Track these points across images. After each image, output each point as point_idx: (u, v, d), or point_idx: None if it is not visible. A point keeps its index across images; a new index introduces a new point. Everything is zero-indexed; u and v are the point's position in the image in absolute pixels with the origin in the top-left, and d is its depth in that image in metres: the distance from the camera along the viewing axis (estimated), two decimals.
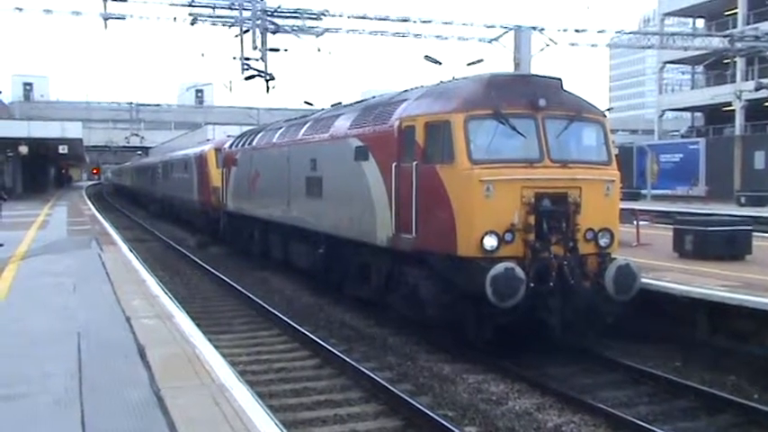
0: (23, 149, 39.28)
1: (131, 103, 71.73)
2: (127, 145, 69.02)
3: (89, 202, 38.86)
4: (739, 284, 10.56)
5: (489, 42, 28.67)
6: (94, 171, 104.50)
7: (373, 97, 14.86)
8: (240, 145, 21.08)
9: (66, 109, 70.95)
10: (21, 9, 24.74)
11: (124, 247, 16.39)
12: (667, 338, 10.45)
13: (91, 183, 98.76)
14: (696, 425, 7.76)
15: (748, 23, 45.94)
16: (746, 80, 43.98)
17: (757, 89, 34.45)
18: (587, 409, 8.00)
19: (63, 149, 42.20)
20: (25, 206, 32.85)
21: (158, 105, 77.56)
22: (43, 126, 39.68)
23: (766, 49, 32.03)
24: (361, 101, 15.20)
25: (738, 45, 32.67)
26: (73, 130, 39.10)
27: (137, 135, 67.58)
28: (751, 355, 9.42)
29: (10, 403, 5.47)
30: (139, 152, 70.96)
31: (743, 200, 36.95)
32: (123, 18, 24.85)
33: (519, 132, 9.80)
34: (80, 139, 41.43)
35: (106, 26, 24.52)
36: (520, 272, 8.96)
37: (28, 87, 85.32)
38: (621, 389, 8.89)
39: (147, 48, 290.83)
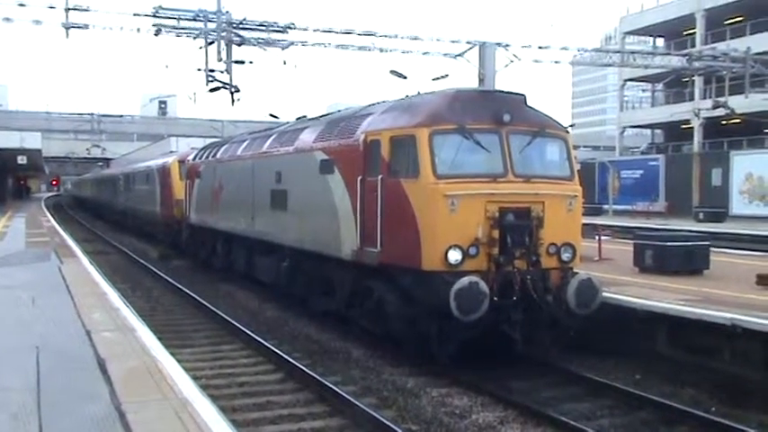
0: None
1: (93, 113, 70.70)
2: (88, 156, 67.93)
3: (48, 214, 38.18)
4: (698, 299, 10.78)
5: (454, 58, 28.91)
6: (54, 182, 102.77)
7: (339, 111, 14.91)
8: (204, 157, 20.94)
9: (25, 119, 69.51)
10: None
11: (84, 260, 16.15)
12: (628, 352, 10.60)
13: (50, 194, 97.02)
14: None
15: (706, 43, 47.06)
16: (705, 98, 45.00)
17: (715, 107, 35.23)
18: (550, 421, 8.07)
19: (21, 160, 41.43)
20: None
21: (121, 116, 76.59)
22: (1, 136, 38.95)
23: (723, 68, 32.82)
24: (327, 114, 15.22)
25: (696, 64, 33.40)
26: (32, 141, 38.47)
27: (98, 146, 66.58)
28: (709, 369, 9.60)
29: None
30: (101, 163, 69.93)
31: (701, 215, 37.77)
32: (86, 28, 24.54)
33: (483, 147, 9.88)
34: (39, 150, 40.74)
35: (68, 35, 24.18)
36: (484, 286, 9.03)
37: None
38: (583, 401, 9.00)
39: (110, 58, 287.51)
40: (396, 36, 28.92)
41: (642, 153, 56.70)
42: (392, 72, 21.82)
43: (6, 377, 6.36)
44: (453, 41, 29.23)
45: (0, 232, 23.65)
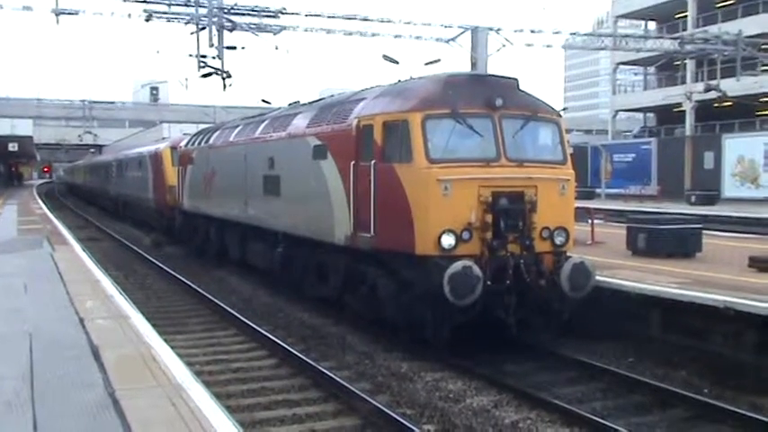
0: None
1: (84, 100, 70.29)
2: (80, 143, 67.59)
3: (40, 201, 38.01)
4: (690, 281, 10.80)
5: (447, 42, 28.83)
6: (45, 169, 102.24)
7: (331, 96, 14.83)
8: (196, 143, 20.84)
9: (16, 106, 69.04)
10: None
11: (77, 247, 16.09)
12: (621, 335, 10.64)
13: (42, 181, 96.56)
14: (649, 419, 7.91)
15: (698, 26, 47.05)
16: (696, 82, 44.99)
17: (706, 90, 35.27)
18: (543, 405, 8.10)
19: (13, 147, 41.21)
20: None
21: (112, 103, 76.17)
22: None
23: (715, 51, 32.80)
24: (319, 99, 15.15)
25: (688, 47, 33.39)
26: (23, 128, 38.34)
27: (90, 133, 66.22)
28: (702, 351, 9.64)
29: None
30: (92, 150, 69.59)
31: (693, 199, 37.85)
32: (76, 13, 24.35)
33: (476, 131, 9.86)
34: (30, 137, 40.54)
35: (58, 22, 23.99)
36: (477, 270, 9.03)
37: None
38: (576, 385, 9.03)
39: (101, 44, 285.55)
40: (388, 21, 28.81)
41: (635, 137, 56.70)
42: (384, 57, 21.72)
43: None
44: (445, 26, 29.13)
45: None
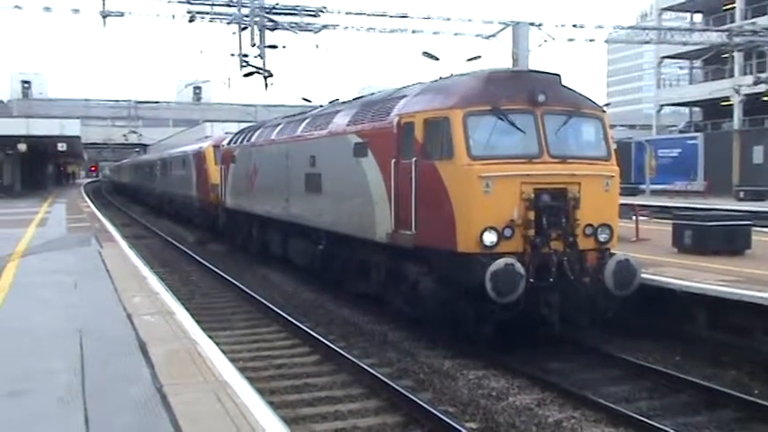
0: (22, 147, 39.25)
1: (130, 100, 71.59)
2: (125, 142, 68.88)
3: (88, 200, 38.83)
4: (739, 279, 10.58)
5: (487, 38, 28.66)
6: (92, 168, 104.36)
7: (372, 94, 14.87)
8: (239, 142, 21.07)
9: (64, 106, 70.67)
10: (20, 7, 24.70)
11: (124, 244, 16.40)
12: (667, 333, 10.47)
13: (89, 180, 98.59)
14: (697, 420, 7.77)
15: (746, 18, 45.92)
16: (745, 74, 43.99)
17: (755, 83, 34.49)
18: (588, 404, 8.01)
19: (62, 147, 42.13)
20: (24, 203, 32.86)
21: (157, 102, 77.38)
22: (42, 124, 39.64)
23: (764, 43, 32.03)
24: (360, 97, 15.19)
25: (736, 40, 32.68)
26: (71, 128, 39.09)
27: (135, 132, 67.44)
28: (751, 350, 9.44)
29: (15, 400, 5.47)
30: (138, 149, 70.84)
31: (741, 194, 37.02)
32: (122, 15, 24.83)
33: (518, 128, 9.81)
34: (78, 137, 41.39)
35: (105, 23, 24.50)
36: (519, 267, 8.98)
37: (26, 85, 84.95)
38: (621, 384, 8.91)
39: (146, 45, 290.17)
40: (427, 17, 28.74)
41: (680, 131, 55.67)
42: (424, 54, 21.71)
43: (52, 360, 6.49)
44: (486, 22, 28.96)
45: (42, 218, 24.13)
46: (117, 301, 9.20)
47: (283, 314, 12.28)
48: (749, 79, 36.74)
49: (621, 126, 71.72)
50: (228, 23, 25.28)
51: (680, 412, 7.97)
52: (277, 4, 25.83)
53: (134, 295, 9.63)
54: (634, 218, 16.85)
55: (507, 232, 9.38)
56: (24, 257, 13.67)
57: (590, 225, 9.81)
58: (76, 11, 24.82)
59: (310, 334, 10.90)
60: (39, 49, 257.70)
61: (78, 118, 45.28)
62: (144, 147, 68.36)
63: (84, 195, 45.16)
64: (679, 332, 10.37)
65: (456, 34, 29.05)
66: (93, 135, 64.02)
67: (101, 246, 15.72)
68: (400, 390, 8.14)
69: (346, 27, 27.68)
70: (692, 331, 10.28)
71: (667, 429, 7.10)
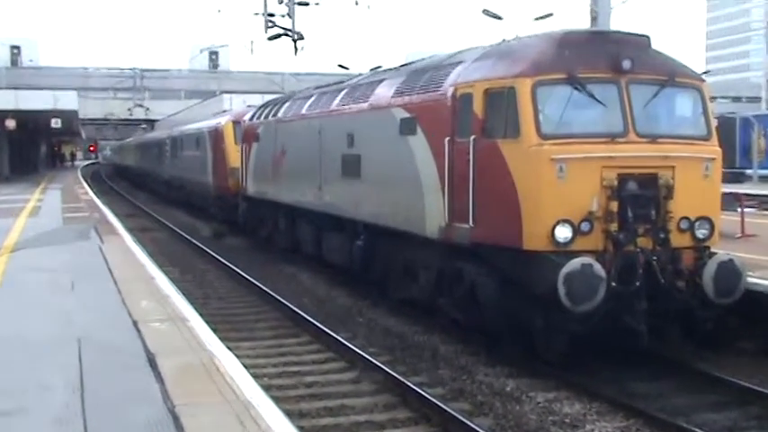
0: (10, 124, 40.05)
1: (135, 68, 72.68)
2: (129, 118, 69.92)
3: (86, 185, 39.52)
4: None
5: None
6: (91, 148, 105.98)
7: (421, 60, 14.83)
8: (263, 117, 21.23)
9: (59, 76, 71.95)
10: None
11: (128, 238, 16.67)
12: None
13: (87, 162, 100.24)
14: None
15: None
16: None
17: None
18: None
19: (56, 123, 42.88)
20: (13, 190, 33.61)
21: (166, 71, 78.48)
22: (33, 96, 40.36)
23: None
24: (407, 64, 15.17)
25: None
26: (67, 101, 39.65)
27: (141, 106, 68.44)
28: None
29: (5, 420, 5.60)
30: (144, 126, 71.89)
31: None
32: None
33: (598, 101, 9.74)
34: (75, 111, 42.03)
35: None
36: (599, 269, 8.92)
37: (15, 51, 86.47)
38: (724, 411, 8.79)
39: (154, 5, 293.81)
40: None
41: None
42: (485, 12, 21.58)
43: (47, 374, 6.63)
44: None
45: (34, 207, 24.64)
46: (120, 305, 9.36)
47: (315, 322, 12.36)
48: None
49: (724, 98, 70.43)
50: None
51: None
52: None
53: (140, 298, 9.79)
54: (739, 210, 16.59)
55: (585, 227, 9.32)
56: (14, 253, 13.98)
57: (686, 218, 9.71)
58: None
59: (347, 346, 10.96)
60: (30, 11, 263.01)
61: (75, 89, 46.04)
62: (151, 123, 69.31)
63: (82, 180, 45.98)
64: None
65: None
66: (92, 109, 65.10)
67: (101, 239, 16.00)
68: (455, 414, 8.14)
69: None
70: None
71: None
